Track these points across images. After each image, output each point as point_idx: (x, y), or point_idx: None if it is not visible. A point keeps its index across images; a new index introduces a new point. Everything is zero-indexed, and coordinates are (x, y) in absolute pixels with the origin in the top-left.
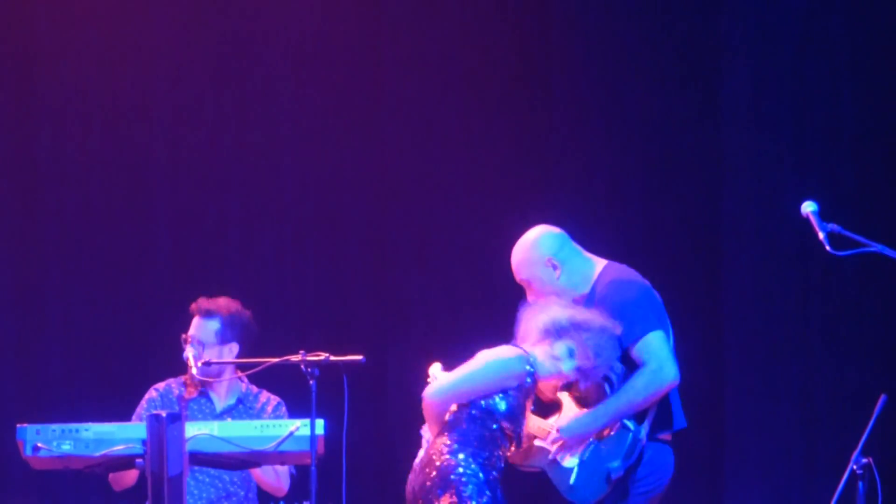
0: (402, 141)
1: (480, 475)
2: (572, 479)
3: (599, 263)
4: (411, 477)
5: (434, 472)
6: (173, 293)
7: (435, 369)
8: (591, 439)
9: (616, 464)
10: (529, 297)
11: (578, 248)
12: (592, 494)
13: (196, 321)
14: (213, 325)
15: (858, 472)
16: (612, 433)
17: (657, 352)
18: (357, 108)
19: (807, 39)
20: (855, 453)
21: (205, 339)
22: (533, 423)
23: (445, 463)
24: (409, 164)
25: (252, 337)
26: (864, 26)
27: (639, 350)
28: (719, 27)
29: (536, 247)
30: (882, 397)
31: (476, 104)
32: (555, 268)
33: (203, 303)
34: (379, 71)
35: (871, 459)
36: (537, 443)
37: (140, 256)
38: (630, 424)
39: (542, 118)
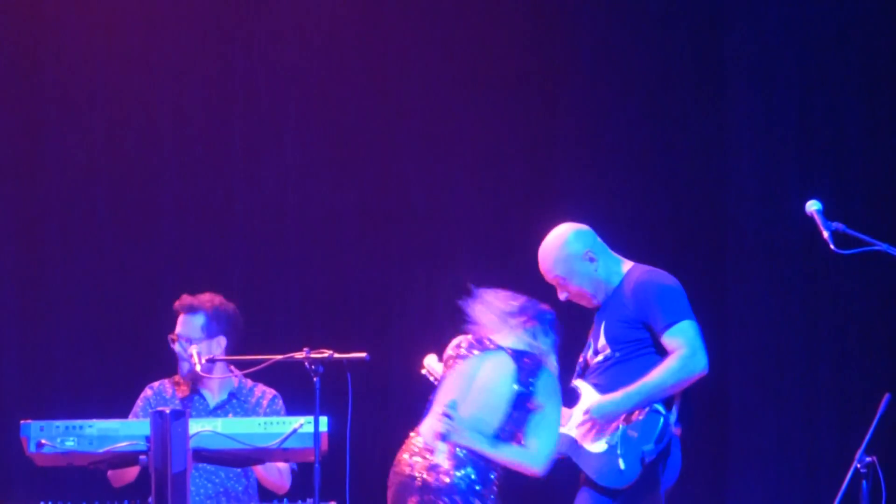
0: (407, 139)
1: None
2: (604, 462)
3: (627, 262)
4: (398, 474)
5: (433, 482)
6: (177, 290)
7: (430, 360)
8: (619, 423)
9: (649, 446)
10: (561, 296)
11: (605, 244)
12: (625, 477)
13: (181, 318)
14: (198, 320)
15: (862, 470)
16: (641, 417)
17: (692, 339)
18: (362, 106)
19: (811, 38)
20: (859, 452)
21: (191, 334)
22: None
23: (445, 477)
24: (414, 160)
25: (239, 329)
26: (870, 24)
27: (673, 334)
28: (724, 27)
29: (572, 242)
30: (886, 396)
31: (482, 105)
32: (592, 260)
33: (186, 299)
34: (384, 70)
35: (875, 458)
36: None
37: (143, 254)
38: (661, 408)
39: (547, 120)
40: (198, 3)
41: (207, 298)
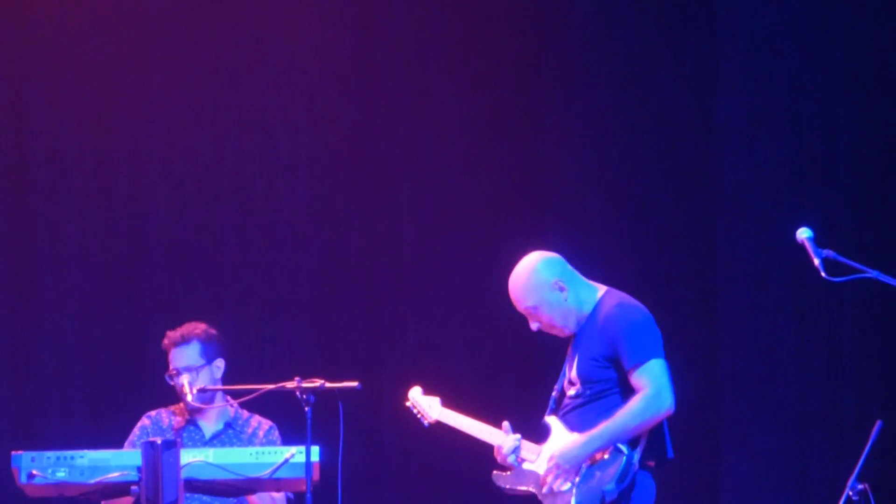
0: (398, 167)
1: None
2: (567, 502)
3: (601, 288)
4: None
5: None
6: (168, 319)
7: (415, 393)
8: (584, 463)
9: (611, 486)
10: (532, 326)
11: (576, 271)
12: None
13: (175, 353)
14: (193, 348)
15: (854, 497)
16: (605, 457)
17: (657, 378)
18: (354, 134)
19: (803, 65)
20: (851, 479)
21: (192, 363)
22: (524, 447)
23: None
24: (405, 189)
25: (229, 349)
26: (861, 53)
27: (640, 374)
28: (715, 52)
29: (541, 271)
30: (878, 423)
31: (471, 133)
32: (562, 289)
33: (174, 333)
34: (376, 98)
35: (867, 485)
36: (527, 466)
37: (135, 282)
38: (624, 448)
39: (536, 147)
40: (190, 28)
41: (193, 326)
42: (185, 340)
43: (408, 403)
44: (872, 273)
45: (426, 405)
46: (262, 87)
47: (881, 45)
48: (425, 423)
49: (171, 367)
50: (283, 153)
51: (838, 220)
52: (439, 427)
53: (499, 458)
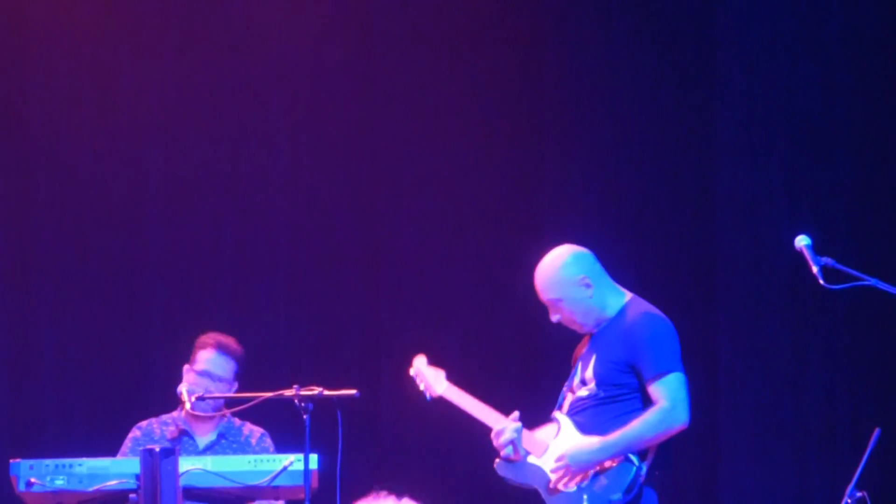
0: (394, 173)
1: None
2: None
3: (627, 294)
4: None
5: None
6: (166, 328)
7: (420, 362)
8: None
9: (618, 496)
10: (553, 318)
11: (605, 271)
12: None
13: (213, 356)
14: (231, 364)
15: None
16: (614, 465)
17: (675, 392)
18: (350, 144)
19: (801, 71)
20: (849, 487)
21: (223, 375)
22: (528, 438)
23: None
24: (401, 196)
25: None
26: (859, 58)
27: (659, 386)
28: (713, 58)
29: (570, 265)
30: (876, 431)
31: (469, 133)
32: (587, 286)
33: (220, 338)
34: (374, 99)
35: (865, 493)
36: (531, 460)
37: (132, 292)
38: (634, 459)
39: (535, 148)
40: (188, 30)
41: (236, 344)
42: (229, 352)
43: (412, 372)
44: (871, 281)
45: (431, 377)
46: (261, 89)
47: (882, 46)
48: (428, 396)
49: (200, 365)
50: (280, 158)
51: (837, 226)
52: (440, 404)
53: (494, 442)
